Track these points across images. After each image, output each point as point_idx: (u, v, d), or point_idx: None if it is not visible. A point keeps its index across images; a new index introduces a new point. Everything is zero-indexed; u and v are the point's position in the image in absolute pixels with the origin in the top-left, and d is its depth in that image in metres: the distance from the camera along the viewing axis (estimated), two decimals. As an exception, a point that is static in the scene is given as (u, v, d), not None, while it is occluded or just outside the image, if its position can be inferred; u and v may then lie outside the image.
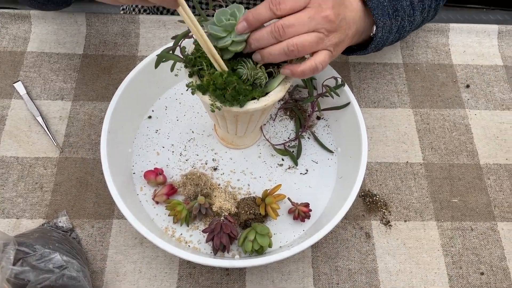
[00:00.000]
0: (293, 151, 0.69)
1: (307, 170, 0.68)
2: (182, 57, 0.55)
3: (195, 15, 0.51)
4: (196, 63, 0.54)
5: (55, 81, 0.74)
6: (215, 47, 0.53)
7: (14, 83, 0.73)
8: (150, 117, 0.71)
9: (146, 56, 0.72)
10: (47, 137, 0.69)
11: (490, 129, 0.74)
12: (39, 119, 0.69)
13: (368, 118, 0.74)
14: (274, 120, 0.72)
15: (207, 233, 0.61)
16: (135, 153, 0.68)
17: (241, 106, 0.53)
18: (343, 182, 0.66)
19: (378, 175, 0.69)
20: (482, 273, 0.63)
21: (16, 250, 0.52)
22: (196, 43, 0.56)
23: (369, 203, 0.67)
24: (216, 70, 0.53)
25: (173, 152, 0.69)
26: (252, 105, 0.53)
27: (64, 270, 0.52)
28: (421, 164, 0.71)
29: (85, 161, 0.68)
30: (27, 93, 0.72)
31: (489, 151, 0.72)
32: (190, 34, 0.57)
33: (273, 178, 0.67)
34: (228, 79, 0.52)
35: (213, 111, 0.54)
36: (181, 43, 0.56)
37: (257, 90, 0.53)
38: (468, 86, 0.78)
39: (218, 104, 0.53)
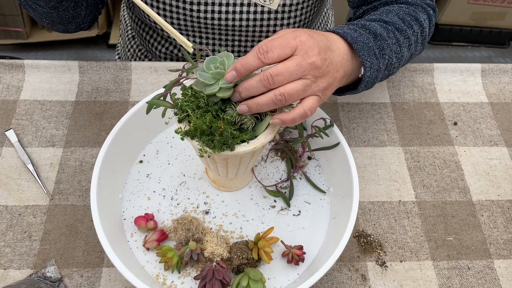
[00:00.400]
0: (285, 192, 0.69)
1: (299, 212, 0.68)
2: (172, 103, 0.56)
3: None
4: (183, 107, 0.55)
5: (47, 128, 0.74)
6: (201, 93, 0.54)
7: (6, 131, 0.73)
8: (141, 161, 0.71)
9: (138, 101, 0.73)
10: (37, 185, 0.68)
11: (480, 165, 0.75)
12: (30, 166, 0.69)
13: (358, 157, 0.74)
14: (265, 161, 0.73)
15: (199, 280, 0.59)
16: (126, 198, 0.68)
17: (231, 149, 0.53)
18: (336, 222, 0.65)
19: (371, 215, 0.69)
20: (482, 314, 0.61)
21: (1, 304, 0.51)
22: (183, 88, 0.57)
23: (364, 243, 0.66)
24: (201, 115, 0.53)
25: (164, 196, 0.68)
26: (241, 148, 0.54)
27: (50, 324, 0.50)
28: (414, 202, 0.70)
29: (75, 208, 0.67)
30: (18, 140, 0.72)
31: (480, 188, 0.73)
32: (181, 81, 0.58)
33: (265, 221, 0.67)
34: (214, 125, 0.52)
35: (201, 156, 0.54)
36: (171, 90, 0.57)
37: (246, 133, 0.54)
38: (455, 123, 0.80)
39: (207, 149, 0.53)
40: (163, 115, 0.57)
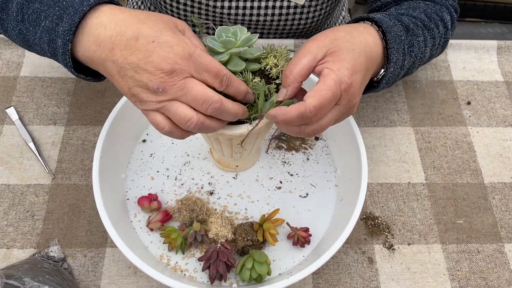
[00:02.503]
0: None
1: (307, 194, 0.66)
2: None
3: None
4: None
5: (48, 105, 0.73)
6: None
7: (6, 108, 0.71)
8: (144, 140, 0.70)
9: None
10: (39, 164, 0.67)
11: (493, 146, 0.73)
12: (31, 145, 0.68)
13: (367, 137, 0.72)
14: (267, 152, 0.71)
15: (203, 262, 0.58)
16: (129, 178, 0.66)
17: None
18: (343, 204, 0.64)
19: (379, 197, 0.67)
20: (491, 298, 0.60)
21: (4, 283, 0.50)
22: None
23: (371, 226, 0.65)
24: None
25: (168, 176, 0.67)
26: (244, 128, 0.52)
27: (54, 305, 0.50)
28: (423, 184, 0.69)
29: (78, 187, 0.66)
30: (19, 118, 0.70)
31: (493, 170, 0.70)
32: None
33: (271, 202, 0.65)
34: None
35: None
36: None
37: (252, 108, 0.52)
38: (469, 103, 0.77)
39: None
40: None
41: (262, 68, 0.53)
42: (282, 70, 0.52)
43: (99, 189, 0.58)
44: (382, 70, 0.55)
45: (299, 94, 0.51)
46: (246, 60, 0.52)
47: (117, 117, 0.64)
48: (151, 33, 0.44)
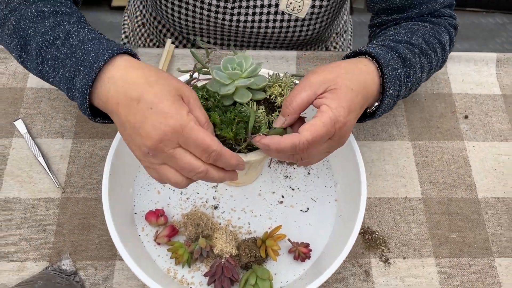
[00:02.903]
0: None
1: (308, 208, 0.69)
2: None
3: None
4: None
5: (55, 118, 0.74)
6: (214, 94, 0.54)
7: (14, 121, 0.73)
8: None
9: None
10: (49, 177, 0.69)
11: (488, 161, 0.75)
12: (40, 159, 0.70)
13: (367, 151, 0.74)
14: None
15: (209, 277, 0.61)
16: (136, 192, 0.69)
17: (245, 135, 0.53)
18: (342, 220, 0.66)
19: (377, 211, 0.70)
20: (479, 311, 0.64)
21: (21, 302, 0.53)
22: (194, 87, 0.57)
23: (369, 240, 0.68)
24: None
25: (173, 190, 0.69)
26: (252, 156, 0.54)
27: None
28: (419, 199, 0.71)
29: (87, 201, 0.68)
30: (27, 131, 0.72)
31: (487, 185, 0.73)
32: (192, 82, 0.57)
33: (273, 216, 0.68)
34: (227, 116, 0.52)
35: None
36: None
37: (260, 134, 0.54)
38: (466, 117, 0.79)
39: None
40: None
41: (267, 97, 0.55)
42: None
43: (108, 206, 0.61)
44: (377, 103, 0.57)
45: (297, 121, 0.53)
46: (251, 89, 0.54)
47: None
48: (152, 99, 0.45)
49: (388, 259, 0.67)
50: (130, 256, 0.58)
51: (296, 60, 0.81)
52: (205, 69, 0.57)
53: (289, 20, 0.78)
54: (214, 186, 0.70)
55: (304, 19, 0.78)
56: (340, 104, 0.49)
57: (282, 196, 0.70)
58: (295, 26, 0.79)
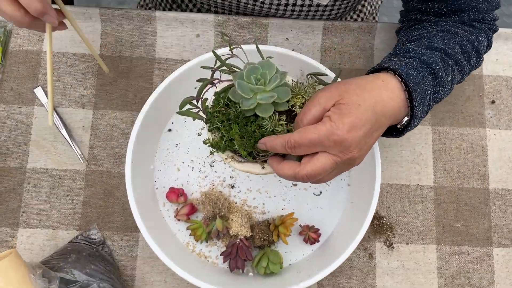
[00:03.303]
0: None
1: (320, 192, 0.72)
2: (202, 112, 0.55)
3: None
4: (212, 120, 0.54)
5: (74, 86, 0.74)
6: (237, 104, 0.53)
7: (34, 88, 0.73)
8: (170, 130, 0.73)
9: (164, 59, 0.74)
10: (73, 148, 0.72)
11: (506, 151, 0.75)
12: (63, 132, 0.71)
13: (385, 135, 0.74)
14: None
15: (224, 256, 0.67)
16: (157, 168, 0.72)
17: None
18: (353, 207, 0.70)
19: (388, 197, 0.73)
20: (469, 295, 0.70)
21: (60, 278, 0.60)
22: (216, 95, 0.56)
23: (376, 226, 0.72)
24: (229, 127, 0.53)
25: (192, 168, 0.72)
26: (256, 169, 0.55)
27: (102, 299, 0.60)
28: (431, 187, 0.73)
29: (111, 174, 0.72)
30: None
31: (500, 176, 0.74)
32: (215, 82, 0.56)
33: (287, 198, 0.71)
34: (248, 129, 0.52)
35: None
36: (203, 95, 0.55)
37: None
38: (493, 102, 0.76)
39: (234, 163, 0.55)
40: (194, 118, 0.57)
41: (289, 107, 0.54)
42: None
43: (130, 183, 0.65)
44: (406, 118, 0.55)
45: None
46: (274, 102, 0.53)
47: (147, 114, 0.66)
48: None
49: (392, 244, 0.71)
50: (147, 231, 0.63)
51: (323, 30, 0.76)
52: (226, 69, 0.56)
53: (310, 5, 0.73)
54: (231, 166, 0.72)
55: (327, 5, 0.72)
56: (340, 119, 0.48)
57: (297, 179, 0.72)
58: (316, 11, 0.74)
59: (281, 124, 0.53)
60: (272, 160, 0.52)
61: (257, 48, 0.56)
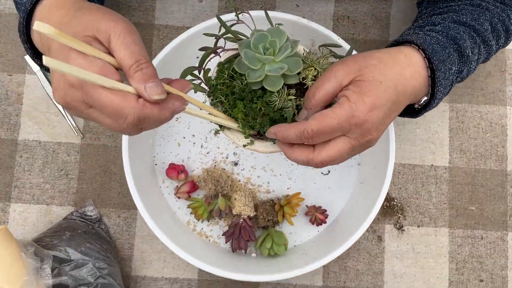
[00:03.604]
0: None
1: (329, 171, 0.68)
2: (204, 84, 0.51)
3: None
4: (216, 94, 0.50)
5: (68, 53, 0.69)
6: (243, 76, 0.48)
7: (25, 55, 0.68)
8: (170, 102, 0.68)
9: (164, 26, 0.70)
10: (67, 120, 0.67)
11: (527, 131, 0.70)
12: (58, 104, 0.67)
13: (399, 112, 0.70)
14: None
15: (226, 236, 0.64)
16: (157, 143, 0.68)
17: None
18: (363, 188, 0.66)
19: (400, 178, 0.69)
20: (481, 280, 0.67)
21: (53, 257, 0.57)
22: (220, 65, 0.51)
23: (386, 207, 0.68)
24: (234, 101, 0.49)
25: (194, 143, 0.68)
26: (268, 148, 0.51)
27: (99, 279, 0.57)
28: (446, 168, 0.69)
29: (107, 148, 0.68)
30: (40, 68, 0.68)
31: (519, 157, 0.70)
32: (219, 51, 0.51)
33: (293, 177, 0.68)
34: (254, 106, 0.48)
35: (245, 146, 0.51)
36: (205, 65, 0.51)
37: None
38: (516, 78, 0.71)
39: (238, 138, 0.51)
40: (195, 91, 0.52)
41: (300, 80, 0.49)
42: None
43: (128, 158, 0.61)
44: (425, 98, 0.50)
45: None
46: (284, 74, 0.48)
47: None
48: (56, 49, 0.39)
49: (402, 226, 0.68)
50: (145, 208, 0.60)
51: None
52: (232, 36, 0.51)
53: None
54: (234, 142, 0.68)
55: None
56: (361, 98, 0.44)
57: (304, 157, 0.68)
58: None
59: (290, 100, 0.48)
60: (282, 143, 0.48)
61: (266, 14, 0.51)
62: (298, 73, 0.49)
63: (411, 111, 0.53)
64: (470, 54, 0.51)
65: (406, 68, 0.47)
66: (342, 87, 0.45)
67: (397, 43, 0.51)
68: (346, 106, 0.44)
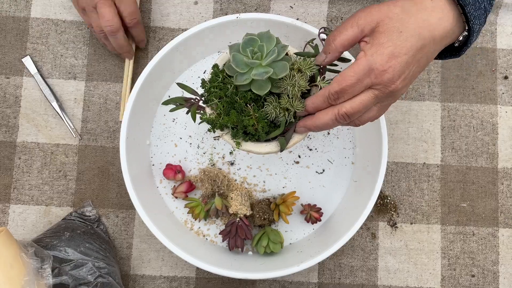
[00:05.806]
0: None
1: (323, 170, 0.69)
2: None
3: None
4: (210, 97, 0.51)
5: (65, 56, 0.70)
6: (229, 78, 0.49)
7: (22, 58, 0.69)
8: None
9: (160, 28, 0.70)
10: (65, 122, 0.68)
11: (517, 129, 0.72)
12: (54, 104, 0.68)
13: (392, 111, 0.71)
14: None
15: (223, 235, 0.65)
16: (153, 144, 0.68)
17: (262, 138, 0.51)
18: (357, 186, 0.67)
19: (393, 176, 0.70)
20: (473, 276, 0.69)
21: (53, 257, 0.58)
22: (214, 68, 0.52)
23: (380, 205, 0.69)
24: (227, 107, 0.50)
25: (190, 144, 0.69)
26: (272, 148, 0.52)
27: (98, 278, 0.58)
28: (438, 166, 0.71)
29: (105, 149, 0.69)
30: (38, 70, 0.68)
31: (510, 154, 0.71)
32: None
33: (288, 176, 0.69)
34: (246, 120, 0.49)
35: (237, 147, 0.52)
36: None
37: (280, 129, 0.51)
38: (506, 77, 0.73)
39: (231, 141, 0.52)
40: (193, 118, 0.53)
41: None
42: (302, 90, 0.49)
43: (125, 159, 0.62)
44: (464, 33, 0.49)
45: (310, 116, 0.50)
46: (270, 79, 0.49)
47: (142, 86, 0.63)
48: None
49: (395, 224, 0.69)
50: (143, 208, 0.61)
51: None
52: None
53: None
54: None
55: None
56: (378, 50, 0.44)
57: (299, 156, 0.69)
58: None
59: (282, 108, 0.49)
60: (301, 122, 0.49)
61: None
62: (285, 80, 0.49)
63: (454, 50, 0.52)
64: None
65: (432, 13, 0.46)
66: (363, 34, 0.46)
67: None
68: (363, 61, 0.45)
